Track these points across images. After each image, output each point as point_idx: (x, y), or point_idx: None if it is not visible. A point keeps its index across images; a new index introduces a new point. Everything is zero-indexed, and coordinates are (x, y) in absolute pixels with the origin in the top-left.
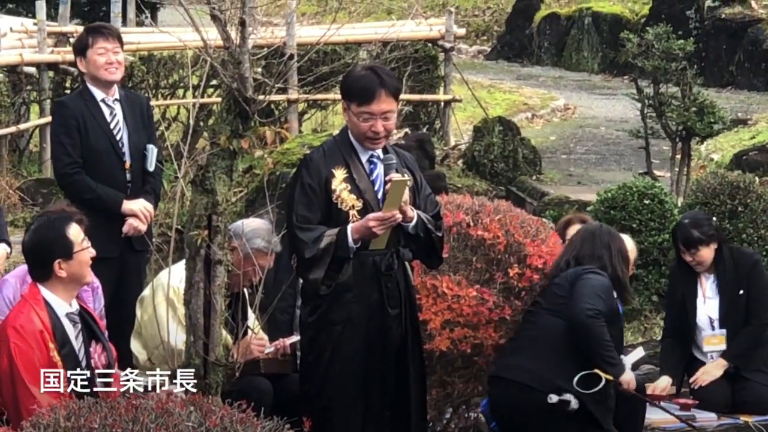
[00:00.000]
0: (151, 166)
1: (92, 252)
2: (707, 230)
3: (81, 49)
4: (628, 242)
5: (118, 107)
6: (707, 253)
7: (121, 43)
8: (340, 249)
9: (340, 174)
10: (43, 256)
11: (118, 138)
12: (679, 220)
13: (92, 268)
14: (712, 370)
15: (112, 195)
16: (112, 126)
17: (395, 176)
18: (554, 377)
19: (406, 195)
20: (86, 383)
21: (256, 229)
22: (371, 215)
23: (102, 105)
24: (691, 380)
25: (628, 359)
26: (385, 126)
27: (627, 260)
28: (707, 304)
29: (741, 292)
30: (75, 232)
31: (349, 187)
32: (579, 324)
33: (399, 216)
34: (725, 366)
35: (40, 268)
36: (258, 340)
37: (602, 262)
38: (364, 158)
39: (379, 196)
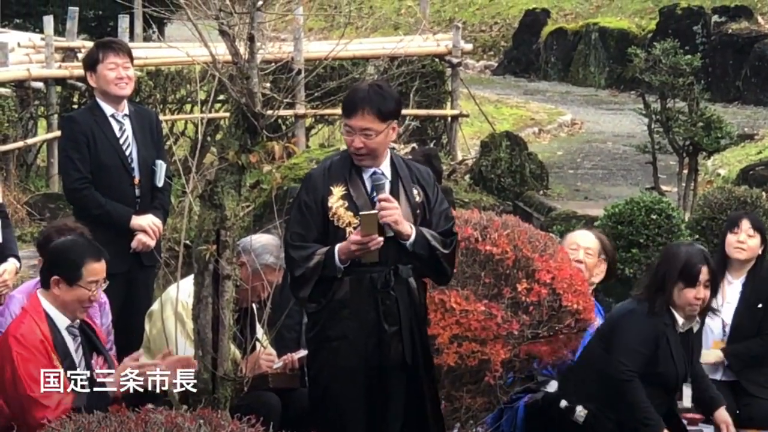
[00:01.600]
0: (160, 182)
1: (94, 297)
2: (765, 228)
3: (91, 64)
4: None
5: (127, 122)
6: (758, 245)
7: (131, 58)
8: (327, 268)
9: (338, 191)
10: (51, 266)
11: (127, 153)
12: (734, 213)
13: None
14: (705, 356)
15: (120, 210)
16: (121, 141)
17: (363, 212)
18: (575, 389)
19: (399, 215)
20: (86, 383)
21: (266, 245)
22: (352, 238)
23: (111, 120)
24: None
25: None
26: (365, 143)
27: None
28: (725, 308)
29: (759, 306)
30: (91, 269)
31: (346, 204)
32: (616, 381)
33: (380, 239)
34: (719, 357)
35: (43, 275)
36: (267, 355)
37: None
38: (365, 175)
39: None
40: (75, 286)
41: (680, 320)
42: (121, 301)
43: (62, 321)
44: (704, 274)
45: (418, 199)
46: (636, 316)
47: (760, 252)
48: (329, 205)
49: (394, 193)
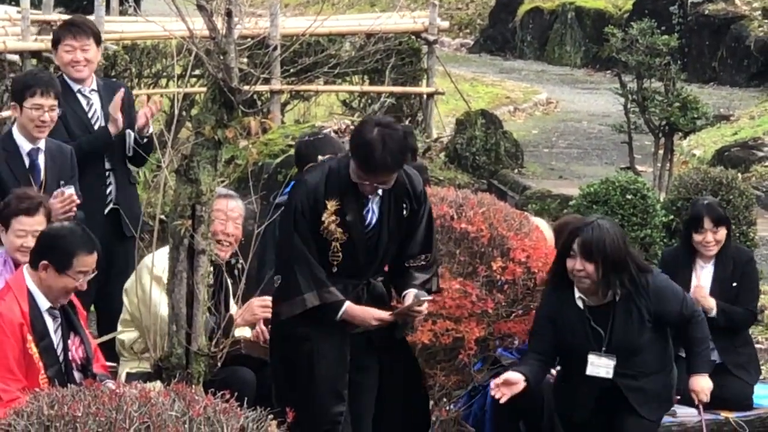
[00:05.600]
0: (129, 151)
1: (78, 286)
2: (726, 212)
3: (54, 42)
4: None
5: (95, 97)
6: (724, 235)
7: (97, 38)
8: (322, 312)
9: (331, 206)
10: (42, 249)
11: (96, 127)
12: (698, 201)
13: None
14: (702, 295)
15: (93, 135)
16: (90, 115)
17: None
18: None
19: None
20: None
21: None
22: (378, 315)
23: (78, 95)
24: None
25: None
26: (379, 187)
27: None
28: (698, 291)
29: (734, 284)
30: (82, 261)
31: (338, 221)
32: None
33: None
34: (712, 306)
35: (33, 255)
36: (261, 301)
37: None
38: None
39: (367, 232)
40: (63, 274)
41: (579, 293)
42: (102, 272)
43: (44, 302)
44: (577, 244)
45: (405, 213)
46: (543, 295)
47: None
48: (322, 219)
49: (384, 207)
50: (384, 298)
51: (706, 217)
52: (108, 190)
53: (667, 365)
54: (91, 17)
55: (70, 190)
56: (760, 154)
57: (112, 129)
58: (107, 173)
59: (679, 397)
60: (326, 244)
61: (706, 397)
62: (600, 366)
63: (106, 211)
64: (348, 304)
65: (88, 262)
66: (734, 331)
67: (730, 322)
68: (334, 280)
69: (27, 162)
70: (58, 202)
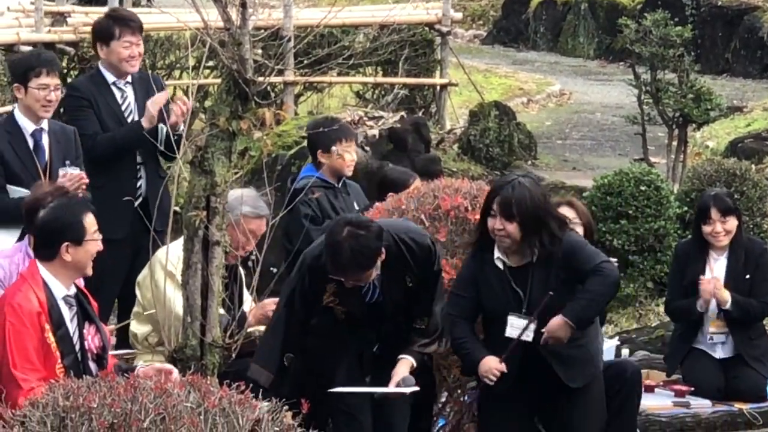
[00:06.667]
0: (161, 145)
1: (99, 246)
2: (736, 202)
3: (106, 37)
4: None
5: (129, 90)
6: (734, 225)
7: (142, 34)
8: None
9: (330, 288)
10: (54, 236)
11: (129, 120)
12: (706, 193)
13: (103, 250)
14: (718, 287)
15: (126, 128)
16: (123, 108)
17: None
18: None
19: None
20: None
21: (238, 197)
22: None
23: (113, 88)
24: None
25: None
26: (355, 284)
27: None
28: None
29: (747, 276)
30: (90, 221)
31: (337, 301)
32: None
33: None
34: (727, 298)
35: (47, 248)
36: (273, 302)
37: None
38: None
39: (370, 306)
40: (84, 242)
41: (498, 254)
42: (126, 267)
43: (60, 290)
44: (497, 203)
45: (410, 284)
46: (465, 258)
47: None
48: (322, 299)
49: (385, 282)
50: (392, 339)
51: (713, 207)
52: (138, 184)
53: (591, 331)
54: (104, 9)
55: (75, 170)
56: None
57: (145, 123)
58: (138, 167)
59: (693, 389)
60: (329, 310)
61: (552, 341)
62: (519, 328)
63: (137, 204)
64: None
65: (92, 220)
66: (750, 323)
67: (745, 314)
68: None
69: (31, 143)
70: (67, 181)
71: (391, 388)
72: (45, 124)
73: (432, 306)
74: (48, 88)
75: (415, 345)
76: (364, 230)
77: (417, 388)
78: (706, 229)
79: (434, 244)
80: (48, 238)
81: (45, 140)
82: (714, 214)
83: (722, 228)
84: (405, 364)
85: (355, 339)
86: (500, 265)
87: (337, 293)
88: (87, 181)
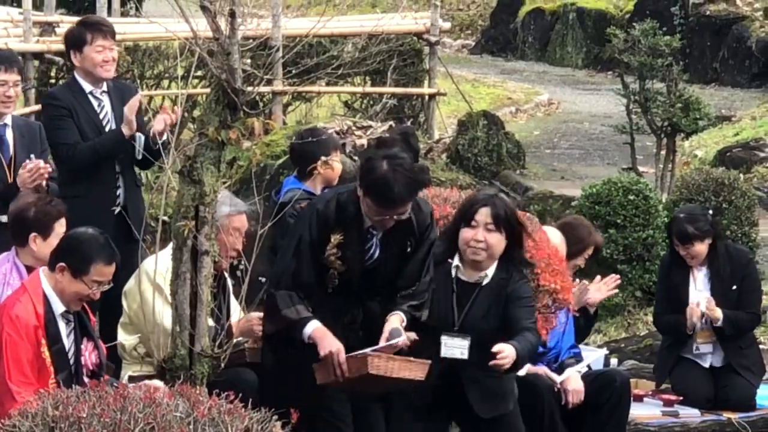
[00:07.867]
0: (139, 155)
1: (93, 295)
2: (702, 225)
3: (77, 43)
4: (555, 236)
5: (106, 99)
6: (701, 249)
7: (115, 39)
8: (292, 329)
9: (335, 239)
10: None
11: (107, 129)
12: (675, 214)
13: None
14: (711, 308)
15: (106, 136)
16: (101, 117)
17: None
18: None
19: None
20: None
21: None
22: (337, 357)
23: (90, 97)
24: (704, 307)
25: (586, 359)
26: (397, 220)
27: None
28: (698, 296)
29: (734, 287)
30: (101, 270)
31: (339, 254)
32: None
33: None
34: (719, 316)
35: (54, 257)
36: (259, 317)
37: None
38: (365, 225)
39: (367, 265)
40: (78, 280)
41: (457, 262)
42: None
43: (59, 306)
44: (482, 215)
45: (409, 250)
46: None
47: (710, 243)
48: (325, 250)
49: (387, 243)
50: (379, 320)
51: (674, 235)
52: (117, 192)
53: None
54: None
55: (36, 162)
56: (762, 154)
57: (125, 131)
58: (117, 176)
59: (682, 398)
60: (325, 269)
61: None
62: (454, 347)
63: (115, 213)
64: (313, 328)
65: (105, 272)
66: (740, 335)
67: (737, 329)
68: (328, 299)
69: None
70: (27, 172)
71: (382, 344)
72: (8, 120)
73: (421, 275)
74: (7, 84)
75: (404, 305)
76: (400, 158)
77: (405, 338)
78: (677, 249)
79: (433, 214)
80: (59, 249)
81: (9, 135)
82: (675, 240)
83: (686, 252)
84: (395, 318)
85: (342, 314)
86: (453, 273)
87: (340, 245)
88: (49, 169)
